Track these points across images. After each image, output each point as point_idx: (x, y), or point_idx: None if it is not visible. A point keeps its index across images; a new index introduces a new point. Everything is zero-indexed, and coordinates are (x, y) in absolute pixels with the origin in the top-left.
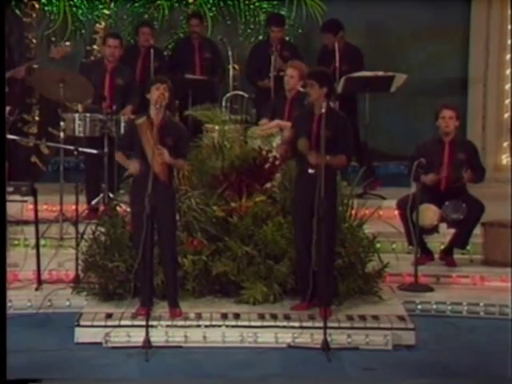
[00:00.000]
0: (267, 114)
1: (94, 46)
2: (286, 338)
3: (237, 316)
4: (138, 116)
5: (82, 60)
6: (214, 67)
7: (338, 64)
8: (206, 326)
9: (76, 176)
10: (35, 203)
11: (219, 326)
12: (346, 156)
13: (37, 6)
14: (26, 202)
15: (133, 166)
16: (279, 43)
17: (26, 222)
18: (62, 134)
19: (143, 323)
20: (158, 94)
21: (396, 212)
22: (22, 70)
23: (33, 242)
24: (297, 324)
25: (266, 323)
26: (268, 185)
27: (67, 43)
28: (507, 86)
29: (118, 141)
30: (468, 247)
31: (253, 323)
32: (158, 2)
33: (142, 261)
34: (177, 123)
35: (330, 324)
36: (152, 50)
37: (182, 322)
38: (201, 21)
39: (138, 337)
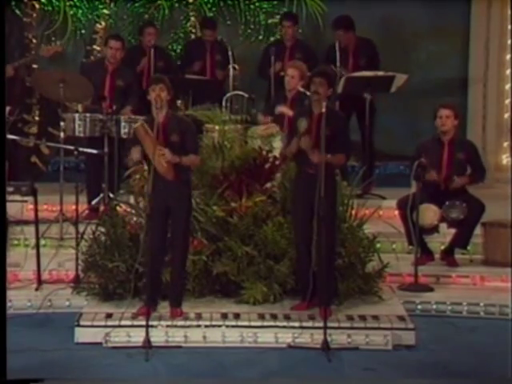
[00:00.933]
0: (269, 113)
1: (94, 46)
2: (285, 338)
3: (237, 316)
4: (136, 118)
5: (83, 60)
6: (223, 68)
7: (352, 60)
8: (206, 326)
9: (76, 176)
10: (35, 203)
11: (219, 326)
12: (345, 154)
13: (37, 6)
14: (26, 201)
15: (134, 154)
16: (292, 41)
17: (26, 222)
18: (62, 134)
19: (143, 323)
20: (154, 95)
21: (396, 212)
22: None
23: (33, 241)
24: (297, 324)
25: (266, 323)
26: (268, 185)
27: (58, 43)
28: (507, 86)
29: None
30: (468, 247)
31: (253, 323)
32: (158, 1)
33: (146, 260)
34: (182, 119)
35: (330, 324)
36: (158, 50)
37: (182, 322)
38: (214, 30)
39: (138, 337)
